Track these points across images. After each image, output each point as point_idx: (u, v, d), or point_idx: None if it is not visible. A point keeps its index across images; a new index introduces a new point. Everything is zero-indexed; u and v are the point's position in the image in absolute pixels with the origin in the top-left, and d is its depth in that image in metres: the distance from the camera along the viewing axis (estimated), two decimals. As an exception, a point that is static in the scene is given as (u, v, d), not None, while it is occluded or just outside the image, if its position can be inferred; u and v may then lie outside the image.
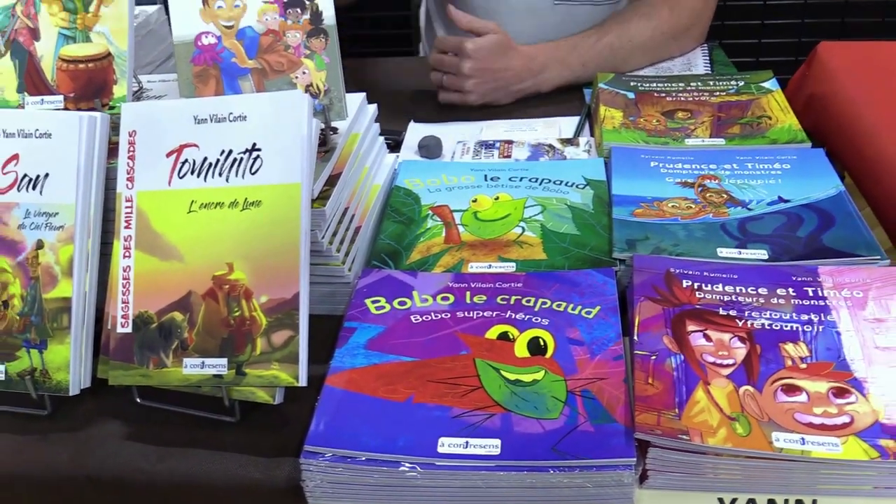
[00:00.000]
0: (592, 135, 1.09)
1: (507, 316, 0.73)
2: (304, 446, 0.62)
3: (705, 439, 0.58)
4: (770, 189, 0.87)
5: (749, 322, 0.69)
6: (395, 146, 1.07)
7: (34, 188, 0.72)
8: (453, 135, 1.10)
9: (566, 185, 0.92)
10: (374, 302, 0.76)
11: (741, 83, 1.11)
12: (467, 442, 0.61)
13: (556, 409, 0.63)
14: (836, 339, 0.67)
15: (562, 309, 0.73)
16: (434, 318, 0.74)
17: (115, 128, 0.74)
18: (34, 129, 0.72)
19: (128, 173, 0.71)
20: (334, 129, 0.81)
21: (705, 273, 0.75)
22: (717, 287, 0.73)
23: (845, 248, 0.77)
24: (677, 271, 0.75)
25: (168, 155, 0.71)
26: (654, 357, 0.66)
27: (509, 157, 1.03)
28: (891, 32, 2.24)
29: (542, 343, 0.70)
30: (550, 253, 0.82)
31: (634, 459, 0.59)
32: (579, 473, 0.59)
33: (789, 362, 0.65)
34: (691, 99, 1.08)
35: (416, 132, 1.12)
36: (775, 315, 0.70)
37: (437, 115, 1.19)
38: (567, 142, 1.06)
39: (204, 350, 0.67)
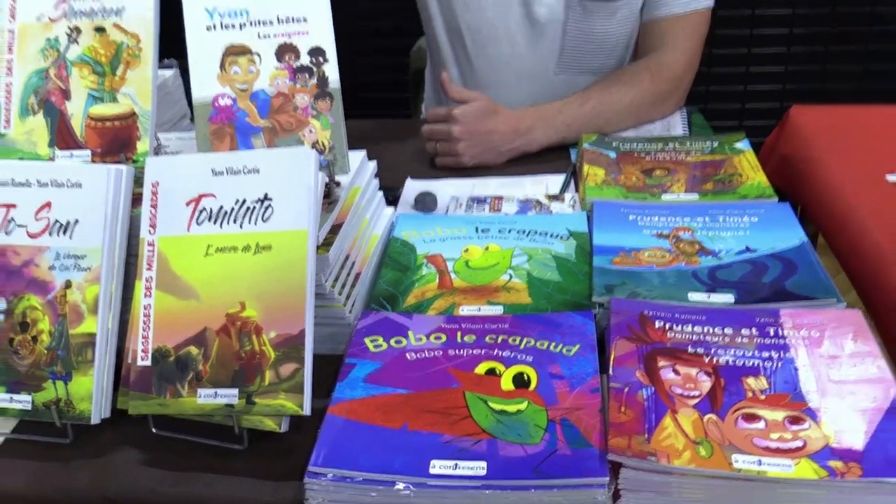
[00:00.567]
0: (577, 191, 1.16)
1: (495, 353, 0.79)
2: (307, 467, 0.68)
3: (671, 461, 0.64)
4: (738, 240, 0.95)
5: (715, 358, 0.75)
6: (392, 200, 1.14)
7: (64, 233, 0.79)
8: (447, 191, 1.18)
9: (551, 236, 0.99)
10: (372, 341, 0.82)
11: (716, 144, 1.19)
12: (456, 464, 0.67)
13: (537, 436, 0.69)
14: (793, 374, 0.73)
15: (545, 347, 0.80)
16: (428, 355, 0.80)
17: (138, 179, 0.81)
18: (66, 179, 0.79)
19: (150, 220, 0.78)
20: (337, 183, 0.88)
21: (676, 315, 0.82)
22: (686, 327, 0.80)
23: (805, 292, 0.84)
24: (650, 313, 0.82)
25: (187, 204, 0.78)
26: (626, 389, 0.72)
27: (499, 211, 1.10)
28: (867, 97, 2.34)
29: (526, 377, 0.76)
30: (535, 297, 0.88)
31: (608, 479, 0.65)
32: (558, 492, 0.65)
33: (750, 394, 0.71)
34: (669, 158, 1.16)
35: (412, 188, 1.19)
36: (739, 352, 0.76)
37: (432, 173, 1.26)
38: (553, 198, 1.13)
39: (217, 381, 0.74)
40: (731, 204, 1.03)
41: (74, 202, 0.79)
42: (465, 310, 0.87)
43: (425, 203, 1.14)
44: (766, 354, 0.76)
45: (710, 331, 0.79)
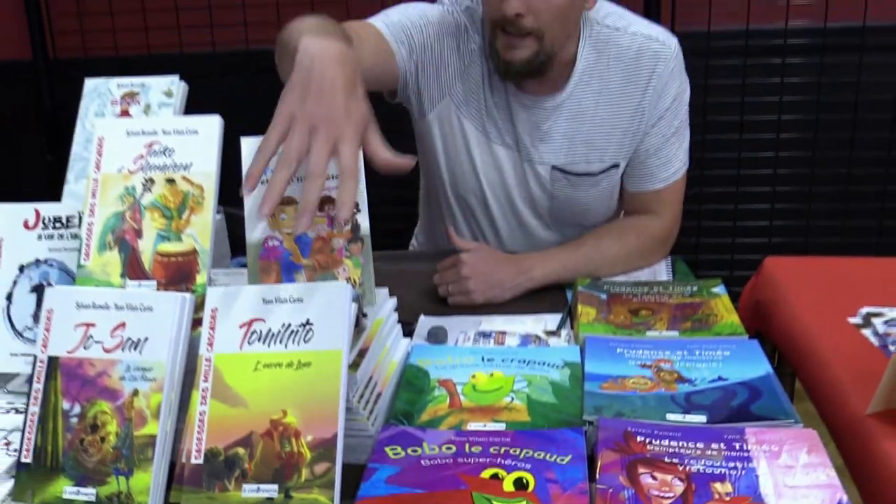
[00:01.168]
0: (572, 327, 1.30)
1: (498, 462, 0.91)
2: (338, 551, 0.79)
3: (648, 549, 0.76)
4: (712, 370, 1.08)
5: (687, 467, 0.87)
6: (408, 333, 1.28)
7: (135, 349, 0.92)
8: (457, 326, 1.32)
9: (548, 365, 1.12)
10: (392, 449, 0.94)
11: (695, 288, 1.34)
12: (465, 550, 0.78)
13: (534, 528, 0.81)
14: (754, 480, 0.85)
15: (541, 457, 0.91)
16: (440, 462, 0.92)
17: (197, 306, 0.95)
18: (139, 303, 0.93)
19: (209, 339, 0.92)
20: (364, 314, 1.02)
21: (655, 432, 0.94)
22: (664, 441, 0.92)
23: (768, 414, 0.97)
24: (633, 430, 0.94)
25: (240, 326, 0.92)
26: (611, 490, 0.84)
27: (503, 344, 1.24)
28: (846, 251, 2.50)
29: (524, 481, 0.88)
30: (534, 416, 1.01)
31: (594, 564, 0.76)
32: (552, 574, 0.76)
33: (717, 496, 0.83)
34: (653, 300, 1.31)
35: (425, 323, 1.33)
36: (708, 462, 0.88)
37: (443, 310, 1.40)
38: (551, 333, 1.27)
39: (260, 478, 0.86)
40: (707, 340, 1.17)
41: (145, 323, 0.93)
42: (472, 426, 0.99)
43: (437, 336, 1.27)
44: (731, 464, 0.87)
45: (685, 445, 0.91)
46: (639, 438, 0.93)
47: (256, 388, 0.89)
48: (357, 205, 1.02)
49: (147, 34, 2.72)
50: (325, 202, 1.03)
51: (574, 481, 0.87)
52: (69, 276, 1.13)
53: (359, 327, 1.00)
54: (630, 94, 1.54)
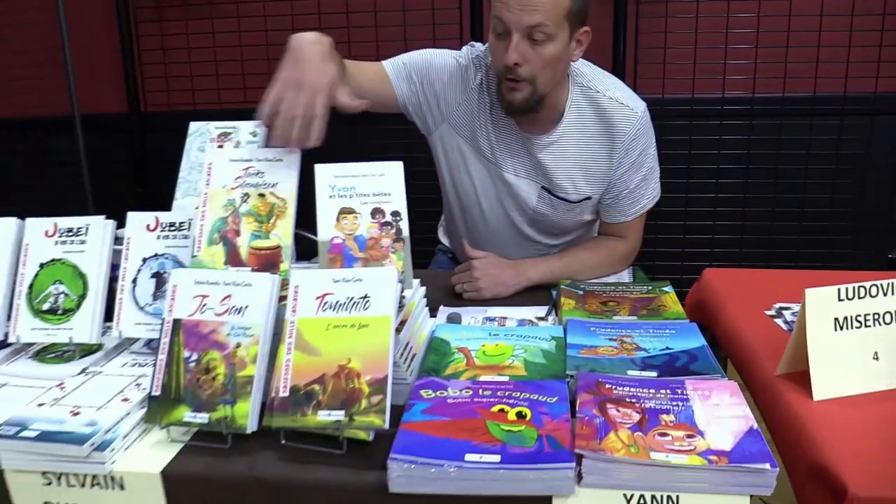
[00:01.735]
0: (556, 314, 1.43)
1: (503, 401, 1.03)
2: (389, 455, 0.91)
3: (613, 454, 0.88)
4: (662, 342, 1.20)
5: (642, 404, 1.00)
6: (433, 316, 1.40)
7: (238, 313, 1.05)
8: (468, 313, 1.44)
9: (539, 339, 1.25)
10: (424, 391, 1.07)
11: (650, 287, 1.47)
12: (481, 456, 0.91)
13: (531, 443, 0.93)
14: (691, 414, 0.97)
15: (535, 398, 1.04)
16: (461, 400, 1.04)
17: (283, 285, 1.09)
18: (242, 281, 1.07)
19: (293, 307, 1.05)
20: (404, 296, 1.15)
21: (619, 382, 1.06)
22: (625, 388, 1.05)
23: (702, 371, 1.10)
24: (602, 380, 1.07)
25: (316, 298, 1.05)
26: (586, 418, 0.96)
27: (504, 325, 1.37)
28: (772, 261, 2.63)
29: (523, 413, 1.00)
30: (529, 372, 1.13)
31: (574, 464, 0.89)
32: (544, 472, 0.88)
33: (663, 423, 0.95)
34: (618, 295, 1.44)
35: (444, 311, 1.46)
36: (658, 402, 1.00)
37: (457, 303, 1.53)
38: (541, 318, 1.40)
39: (330, 406, 0.98)
40: (658, 322, 1.30)
41: (246, 295, 1.06)
42: (484, 378, 1.12)
43: (454, 319, 1.40)
44: (675, 404, 1.00)
45: (640, 390, 1.04)
46: (607, 385, 1.05)
47: (328, 343, 1.02)
48: (399, 213, 1.16)
49: (219, 93, 2.86)
50: (376, 212, 1.16)
51: (560, 413, 1.00)
52: (180, 265, 1.26)
53: (400, 304, 1.13)
54: (604, 144, 1.66)
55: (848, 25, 2.51)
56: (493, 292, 1.55)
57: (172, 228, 1.28)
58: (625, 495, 0.90)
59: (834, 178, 2.65)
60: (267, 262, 1.15)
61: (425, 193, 1.97)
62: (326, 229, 1.15)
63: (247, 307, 1.06)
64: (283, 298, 1.08)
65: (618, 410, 0.99)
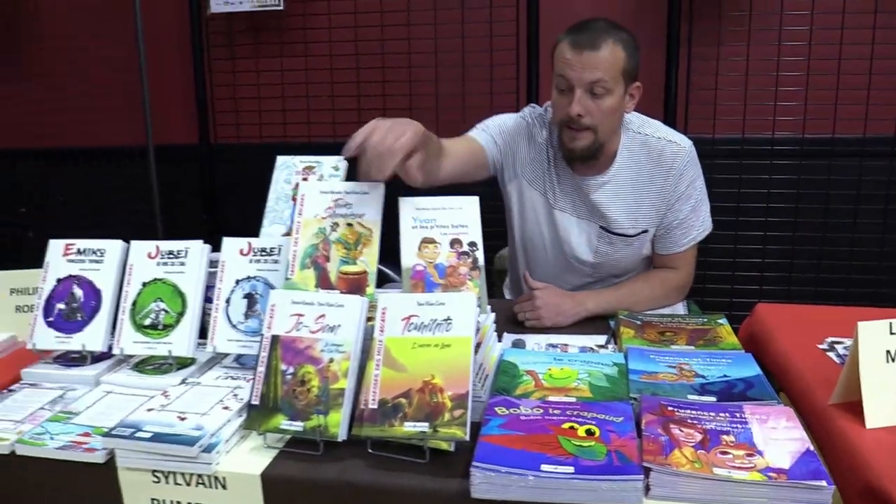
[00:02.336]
0: (615, 343, 1.51)
1: (572, 419, 1.12)
2: (472, 464, 1.00)
3: (679, 469, 0.97)
4: (719, 370, 1.28)
5: (703, 425, 1.08)
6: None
7: (331, 331, 1.16)
8: (531, 340, 1.54)
9: (602, 364, 1.33)
10: (499, 408, 1.16)
11: (705, 320, 1.55)
12: (556, 467, 1.00)
13: (601, 456, 1.02)
14: (749, 434, 1.05)
15: (602, 418, 1.13)
16: (533, 417, 1.13)
17: (371, 307, 1.19)
18: (335, 302, 1.18)
19: (380, 327, 1.16)
20: (478, 320, 1.25)
21: (680, 405, 1.15)
22: (687, 411, 1.13)
23: (758, 397, 1.17)
24: (665, 403, 1.15)
25: (402, 319, 1.16)
26: (652, 436, 1.05)
27: (566, 351, 1.46)
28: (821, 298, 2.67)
29: (592, 430, 1.09)
30: (594, 394, 1.22)
31: (642, 477, 0.97)
32: (615, 483, 0.97)
33: (724, 442, 1.03)
34: (675, 326, 1.52)
35: (508, 337, 1.55)
36: (718, 425, 1.08)
37: (520, 330, 1.62)
38: (601, 346, 1.49)
39: (416, 418, 1.08)
40: (714, 352, 1.38)
41: (338, 315, 1.17)
42: (552, 398, 1.21)
43: (518, 344, 1.50)
44: (734, 426, 1.08)
45: (701, 413, 1.12)
46: (669, 408, 1.14)
47: (413, 360, 1.12)
48: (475, 244, 1.27)
49: (285, 127, 3.02)
50: (455, 242, 1.27)
51: (626, 431, 1.08)
52: (271, 288, 1.37)
53: (476, 327, 1.22)
54: (655, 179, 1.79)
55: (897, 69, 2.58)
56: (553, 321, 1.64)
57: (263, 253, 1.40)
58: (688, 509, 0.98)
59: (885, 219, 2.70)
60: (354, 285, 1.26)
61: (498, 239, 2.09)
62: (409, 257, 1.26)
63: (339, 326, 1.16)
64: (368, 319, 1.18)
65: (681, 430, 1.07)
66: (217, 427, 1.14)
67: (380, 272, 1.30)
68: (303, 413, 1.12)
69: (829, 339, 1.47)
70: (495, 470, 0.99)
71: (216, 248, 1.45)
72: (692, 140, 1.80)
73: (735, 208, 2.73)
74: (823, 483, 0.94)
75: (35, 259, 1.60)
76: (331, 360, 1.15)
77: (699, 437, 1.05)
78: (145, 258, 1.44)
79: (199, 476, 1.10)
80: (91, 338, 1.41)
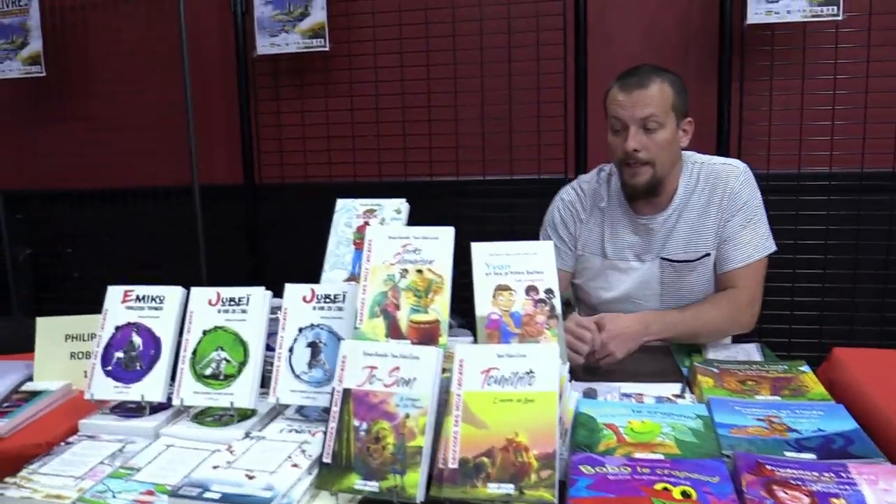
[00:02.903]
0: (692, 392, 1.44)
1: (664, 479, 1.05)
2: (564, 530, 0.94)
3: (793, 537, 0.89)
4: (812, 423, 1.20)
5: (809, 487, 1.00)
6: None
7: (406, 385, 1.11)
8: (604, 388, 1.47)
9: (684, 416, 1.26)
10: (584, 467, 1.09)
11: (785, 367, 1.47)
12: (656, 534, 0.92)
13: (703, 522, 0.95)
14: (861, 498, 0.97)
15: (696, 477, 1.05)
16: (621, 477, 1.06)
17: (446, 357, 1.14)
18: (409, 353, 1.12)
19: (458, 380, 1.10)
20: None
21: (779, 464, 1.07)
22: (787, 470, 1.05)
23: (863, 454, 1.10)
24: (762, 461, 1.08)
25: (481, 372, 1.10)
26: (756, 499, 0.98)
27: (642, 402, 1.38)
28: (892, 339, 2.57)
29: (688, 492, 1.02)
30: (682, 450, 1.15)
31: (753, 546, 0.90)
32: (722, 553, 0.90)
33: (835, 507, 0.96)
34: (755, 374, 1.44)
35: (576, 386, 1.48)
36: (824, 486, 1.01)
37: (590, 378, 1.56)
38: (677, 396, 1.41)
39: (500, 479, 1.01)
40: (803, 403, 1.30)
41: (413, 367, 1.12)
42: (638, 455, 1.14)
43: (590, 394, 1.43)
44: (842, 487, 1.00)
45: (803, 472, 1.04)
46: (768, 467, 1.06)
47: (495, 416, 1.06)
48: (552, 291, 1.21)
49: (330, 167, 3.00)
50: (530, 289, 1.21)
51: (725, 493, 1.01)
52: (335, 336, 1.32)
53: (555, 379, 1.16)
54: (713, 202, 1.81)
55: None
56: (623, 351, 1.61)
57: (327, 300, 1.35)
58: (804, 579, 0.90)
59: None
60: (426, 335, 1.20)
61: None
62: (484, 305, 1.20)
63: (414, 379, 1.11)
64: (442, 370, 1.13)
65: (785, 492, 1.00)
66: (288, 487, 1.08)
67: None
68: (378, 472, 1.06)
69: (919, 387, 1.38)
70: (590, 537, 0.93)
71: (262, 286, 1.41)
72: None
73: (793, 245, 2.64)
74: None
75: (81, 299, 1.58)
76: (406, 416, 1.09)
77: (807, 500, 0.98)
78: (206, 305, 1.40)
79: (271, 539, 1.05)
80: (150, 388, 1.37)
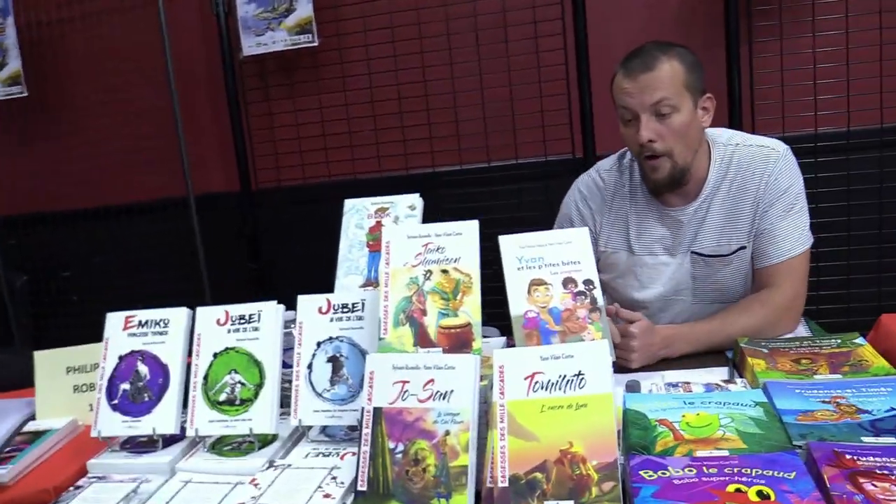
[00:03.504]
0: (741, 376, 1.34)
1: (735, 479, 0.95)
2: (637, 549, 0.84)
3: (896, 539, 0.79)
4: (883, 402, 1.10)
5: (899, 477, 0.91)
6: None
7: (444, 399, 1.00)
8: (646, 379, 1.37)
9: (742, 405, 1.16)
10: (645, 472, 0.99)
11: (839, 341, 1.37)
12: (740, 546, 0.82)
13: (790, 528, 0.84)
14: (960, 486, 0.88)
15: (770, 474, 0.95)
16: (687, 481, 0.96)
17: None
18: (444, 363, 1.02)
19: (500, 389, 1.00)
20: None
21: (858, 451, 0.97)
22: (869, 458, 0.95)
23: (949, 435, 1.00)
24: (840, 450, 0.97)
25: (525, 378, 1.00)
26: (845, 495, 0.87)
27: (690, 391, 1.28)
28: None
29: (765, 493, 0.92)
30: (749, 444, 1.05)
31: (852, 553, 0.80)
32: (818, 563, 0.79)
33: (934, 498, 0.86)
34: (808, 351, 1.34)
35: (620, 379, 1.38)
36: (915, 474, 0.91)
37: (630, 370, 1.45)
38: (727, 382, 1.31)
39: (558, 496, 0.91)
40: (868, 380, 1.20)
41: (449, 379, 1.01)
42: (701, 453, 1.04)
43: (633, 387, 1.33)
44: (935, 474, 0.90)
45: (888, 460, 0.94)
46: (847, 456, 0.96)
47: (544, 426, 0.96)
48: (591, 281, 1.11)
49: (328, 166, 2.89)
50: (568, 282, 1.11)
51: (807, 492, 0.91)
52: (357, 349, 1.22)
53: (602, 377, 1.06)
54: (749, 189, 1.63)
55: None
56: (639, 364, 1.47)
57: (345, 310, 1.25)
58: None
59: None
60: (458, 341, 1.10)
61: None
62: (519, 303, 1.10)
63: (451, 392, 1.01)
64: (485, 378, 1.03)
65: (874, 485, 0.89)
66: (323, 520, 0.98)
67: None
68: (421, 497, 0.97)
69: None
70: (669, 555, 0.83)
71: (265, 296, 1.31)
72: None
73: (814, 209, 2.53)
74: None
75: (81, 325, 1.48)
76: (447, 433, 0.99)
77: (900, 493, 0.87)
78: (214, 325, 1.29)
79: (308, 580, 0.95)
80: (162, 420, 1.27)
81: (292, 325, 1.29)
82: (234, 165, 2.93)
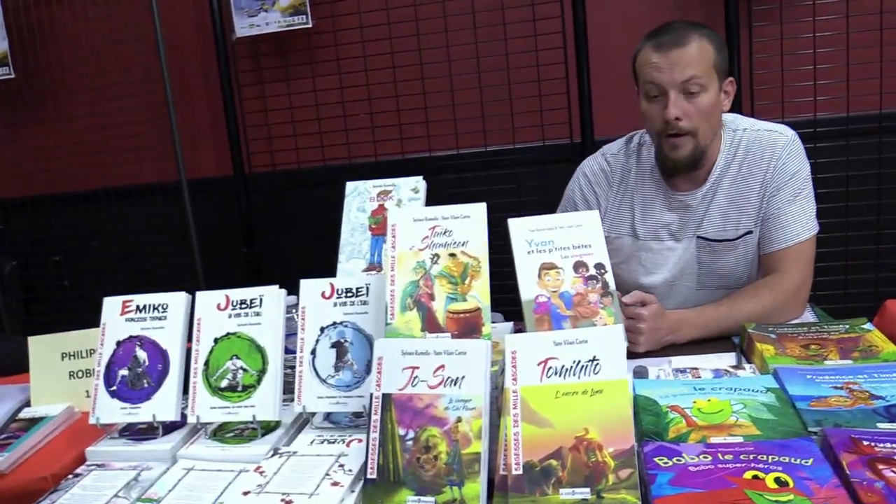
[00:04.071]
0: (749, 362, 1.32)
1: (752, 465, 0.93)
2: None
3: (920, 527, 0.78)
4: (895, 388, 1.09)
5: (919, 464, 0.89)
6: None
7: (455, 385, 0.98)
8: (653, 365, 1.35)
9: (753, 391, 1.14)
10: (660, 459, 0.97)
11: (847, 326, 1.36)
12: (761, 534, 0.81)
13: (811, 515, 0.83)
14: (982, 472, 0.86)
15: (787, 461, 0.94)
16: (703, 468, 0.95)
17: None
18: (454, 349, 1.00)
19: (512, 374, 0.97)
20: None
21: (875, 437, 0.96)
22: (886, 444, 0.94)
23: (966, 420, 0.98)
24: (857, 436, 0.96)
25: (538, 364, 0.97)
26: (865, 482, 0.86)
27: (699, 377, 1.27)
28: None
29: (783, 479, 0.90)
30: (762, 430, 1.03)
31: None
32: (842, 551, 0.78)
33: (956, 485, 0.84)
34: (816, 337, 1.33)
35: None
36: (934, 460, 0.90)
37: (636, 356, 1.43)
38: (736, 367, 1.29)
39: (573, 483, 0.89)
40: (880, 365, 1.18)
41: (460, 364, 0.99)
42: (715, 440, 1.02)
43: (640, 373, 1.31)
44: (956, 461, 0.89)
45: (906, 447, 0.93)
46: (864, 442, 0.95)
47: (559, 412, 0.94)
48: (603, 265, 1.08)
49: (323, 150, 2.85)
50: (579, 266, 1.09)
51: (826, 478, 0.89)
52: (362, 334, 1.20)
53: (615, 362, 1.04)
54: (756, 173, 1.62)
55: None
56: (645, 348, 1.45)
57: (349, 294, 1.22)
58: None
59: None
60: (468, 325, 1.08)
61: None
62: (529, 287, 1.08)
63: (463, 377, 0.98)
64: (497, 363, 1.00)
65: (893, 471, 0.88)
66: (332, 509, 0.96)
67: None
68: (432, 485, 0.94)
69: None
70: (689, 544, 0.81)
71: (262, 281, 1.28)
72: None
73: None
74: None
75: (74, 310, 1.44)
76: (458, 420, 0.97)
77: (921, 479, 0.86)
78: (214, 310, 1.26)
79: (317, 570, 0.93)
80: (161, 406, 1.24)
81: (293, 311, 1.26)
82: (227, 149, 2.89)
